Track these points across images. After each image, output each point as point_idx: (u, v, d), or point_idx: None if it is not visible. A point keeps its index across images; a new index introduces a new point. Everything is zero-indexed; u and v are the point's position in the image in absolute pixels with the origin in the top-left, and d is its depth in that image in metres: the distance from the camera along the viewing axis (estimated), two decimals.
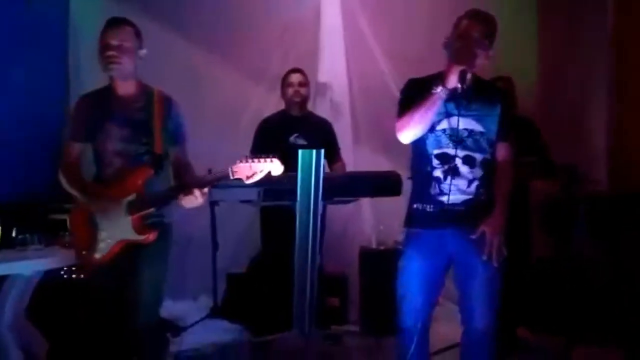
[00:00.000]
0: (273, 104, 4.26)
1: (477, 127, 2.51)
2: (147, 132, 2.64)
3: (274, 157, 2.51)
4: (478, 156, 2.52)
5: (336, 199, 3.30)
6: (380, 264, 4.01)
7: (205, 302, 4.46)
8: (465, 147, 2.50)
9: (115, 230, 2.59)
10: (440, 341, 3.29)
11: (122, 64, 2.60)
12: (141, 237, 2.59)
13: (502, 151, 2.57)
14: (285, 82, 3.98)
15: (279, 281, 3.50)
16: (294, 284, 2.96)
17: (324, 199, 2.90)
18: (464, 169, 2.50)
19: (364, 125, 4.60)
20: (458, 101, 2.49)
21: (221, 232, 4.24)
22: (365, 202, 4.39)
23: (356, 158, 4.29)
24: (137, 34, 2.67)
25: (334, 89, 4.54)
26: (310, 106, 4.20)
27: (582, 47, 4.54)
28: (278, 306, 3.56)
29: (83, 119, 2.70)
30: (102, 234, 2.60)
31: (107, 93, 2.70)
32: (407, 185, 2.90)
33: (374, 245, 4.20)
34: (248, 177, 2.52)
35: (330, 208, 3.70)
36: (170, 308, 4.37)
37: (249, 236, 4.34)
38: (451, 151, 2.50)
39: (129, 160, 2.63)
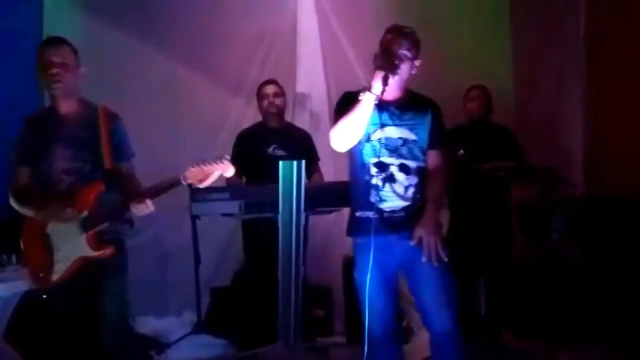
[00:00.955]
0: (251, 116, 4.25)
1: (411, 135, 2.65)
2: (93, 149, 2.66)
3: (224, 158, 2.53)
4: (412, 164, 2.65)
5: (318, 209, 3.30)
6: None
7: (189, 318, 4.41)
8: (400, 156, 2.64)
9: (71, 249, 2.58)
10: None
11: (65, 81, 2.63)
12: (97, 253, 2.58)
13: (432, 158, 2.69)
14: (260, 94, 3.97)
15: (263, 294, 3.47)
16: (278, 297, 2.94)
17: (305, 209, 2.89)
18: (400, 176, 2.63)
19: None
20: (392, 112, 2.64)
21: (203, 246, 4.20)
22: (347, 211, 4.37)
23: (336, 168, 4.28)
24: (75, 53, 2.70)
25: (313, 99, 4.54)
26: (289, 117, 4.19)
27: (556, 53, 4.59)
28: (263, 319, 3.53)
29: (27, 143, 2.71)
30: (58, 254, 2.59)
31: (49, 113, 2.72)
32: None
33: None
34: (200, 181, 2.54)
35: (312, 218, 3.70)
36: (153, 324, 4.34)
37: (231, 249, 4.31)
38: (387, 159, 2.63)
39: (77, 178, 2.63)
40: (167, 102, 4.48)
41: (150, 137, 3.98)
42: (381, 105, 2.58)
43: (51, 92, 2.67)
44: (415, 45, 2.64)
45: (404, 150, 2.65)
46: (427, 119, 2.68)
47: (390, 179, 2.63)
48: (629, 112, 4.23)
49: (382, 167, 2.64)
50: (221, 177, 2.56)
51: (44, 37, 4.44)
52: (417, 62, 2.65)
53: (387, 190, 2.63)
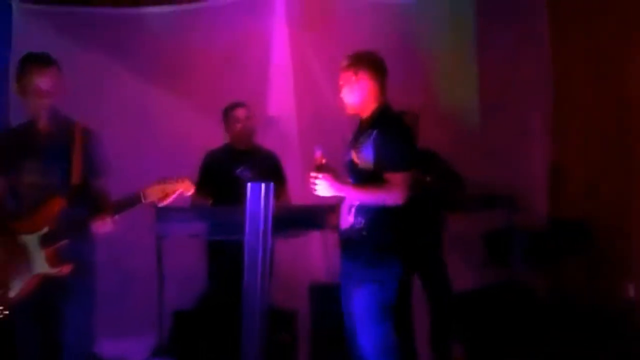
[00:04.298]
0: (220, 136, 4.21)
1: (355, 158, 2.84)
2: (64, 163, 2.63)
3: (184, 178, 2.57)
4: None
5: (286, 232, 3.27)
6: (330, 297, 3.95)
7: (149, 341, 4.30)
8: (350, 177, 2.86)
9: (29, 266, 2.53)
10: None
11: (51, 106, 2.65)
12: (54, 270, 2.54)
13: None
14: (230, 117, 3.95)
15: (227, 318, 3.42)
16: (242, 322, 2.89)
17: (273, 233, 2.87)
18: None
19: (313, 157, 4.60)
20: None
21: (167, 268, 4.13)
22: (314, 235, 4.36)
23: (305, 190, 4.27)
24: (60, 70, 2.69)
25: (283, 121, 4.54)
26: (258, 138, 4.17)
27: (521, 76, 4.67)
28: (226, 344, 3.47)
29: (1, 154, 2.68)
30: (16, 270, 2.52)
31: (26, 128, 2.71)
32: None
33: (323, 279, 4.16)
34: (160, 199, 2.56)
35: (278, 242, 3.67)
36: (112, 347, 4.23)
37: (195, 272, 4.24)
38: None
39: (44, 192, 2.60)
40: (135, 122, 4.45)
41: (119, 156, 3.92)
42: None
43: (34, 112, 2.66)
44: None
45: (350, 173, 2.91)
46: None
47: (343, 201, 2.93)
48: (593, 137, 4.34)
49: None
50: (183, 196, 2.55)
51: (12, 54, 4.44)
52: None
53: (341, 213, 2.93)
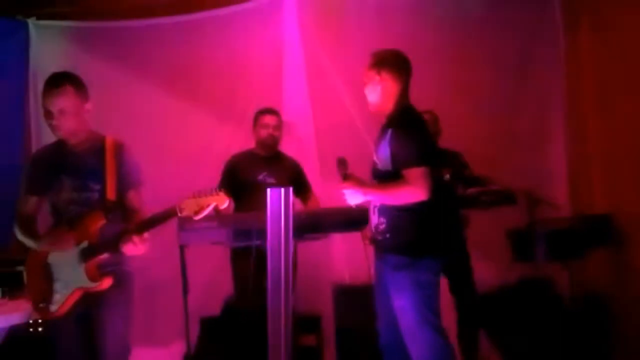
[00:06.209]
0: (239, 143, 4.25)
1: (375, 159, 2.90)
2: (98, 179, 2.67)
3: (220, 190, 2.56)
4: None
5: (306, 235, 3.28)
6: (354, 299, 3.98)
7: (178, 349, 4.34)
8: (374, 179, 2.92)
9: (70, 280, 2.57)
10: None
11: (64, 128, 2.65)
12: (95, 284, 2.57)
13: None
14: (259, 122, 3.97)
15: (253, 323, 3.43)
16: (268, 325, 2.91)
17: (294, 236, 2.88)
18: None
19: (331, 161, 4.60)
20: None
21: (192, 275, 4.16)
22: (336, 238, 4.37)
23: (324, 194, 4.29)
24: (79, 89, 2.68)
25: (299, 126, 4.56)
26: None
27: (536, 70, 4.64)
28: (253, 349, 3.49)
29: (37, 173, 2.74)
30: (57, 285, 2.58)
31: (59, 146, 2.75)
32: None
33: (347, 281, 4.17)
34: (196, 213, 2.55)
35: (301, 245, 3.68)
36: (141, 356, 4.26)
37: (221, 278, 4.27)
38: None
39: (82, 208, 2.65)
40: (152, 131, 4.48)
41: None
42: None
43: (54, 133, 2.70)
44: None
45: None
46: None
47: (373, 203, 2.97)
48: (611, 129, 4.29)
49: None
50: (217, 209, 2.58)
51: (30, 71, 4.52)
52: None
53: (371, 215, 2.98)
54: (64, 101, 2.62)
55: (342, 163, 2.88)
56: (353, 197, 2.80)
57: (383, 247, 2.85)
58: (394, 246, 2.79)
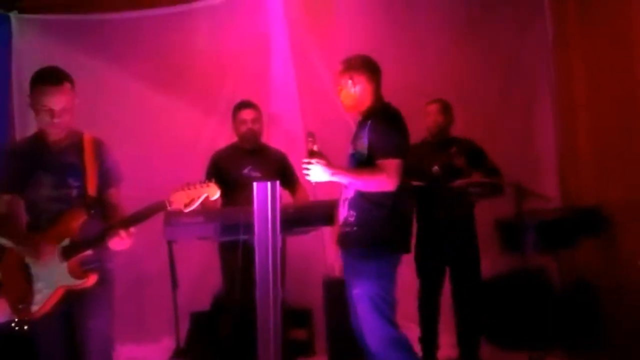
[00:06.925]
0: (226, 135, 4.21)
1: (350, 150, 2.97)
2: (77, 175, 2.62)
3: (210, 181, 2.53)
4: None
5: (295, 229, 3.27)
6: (344, 292, 3.96)
7: (167, 344, 4.33)
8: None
9: (52, 278, 2.53)
10: None
11: (64, 125, 2.62)
12: (79, 282, 2.53)
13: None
14: (236, 118, 3.94)
15: (242, 317, 3.42)
16: (257, 319, 2.90)
17: (282, 230, 2.87)
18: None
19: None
20: None
21: (181, 270, 4.14)
22: (327, 232, 4.35)
23: (314, 187, 4.27)
24: (73, 85, 2.64)
25: (287, 119, 4.53)
26: (264, 137, 4.16)
27: (525, 61, 4.63)
28: (243, 343, 3.48)
29: (11, 170, 2.65)
30: (38, 285, 2.53)
31: (35, 140, 2.69)
32: None
33: (337, 274, 4.16)
34: (186, 205, 2.52)
35: (292, 239, 3.66)
36: (131, 351, 4.25)
37: (210, 272, 4.25)
38: None
39: (62, 205, 2.59)
40: (137, 125, 4.44)
41: (122, 159, 3.95)
42: None
43: (45, 128, 2.63)
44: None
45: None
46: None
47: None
48: (599, 121, 4.29)
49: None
50: (208, 200, 2.56)
51: (13, 64, 4.45)
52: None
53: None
54: (66, 98, 2.57)
55: (310, 136, 2.92)
56: (318, 175, 2.82)
57: (348, 239, 2.91)
58: (360, 238, 2.86)
